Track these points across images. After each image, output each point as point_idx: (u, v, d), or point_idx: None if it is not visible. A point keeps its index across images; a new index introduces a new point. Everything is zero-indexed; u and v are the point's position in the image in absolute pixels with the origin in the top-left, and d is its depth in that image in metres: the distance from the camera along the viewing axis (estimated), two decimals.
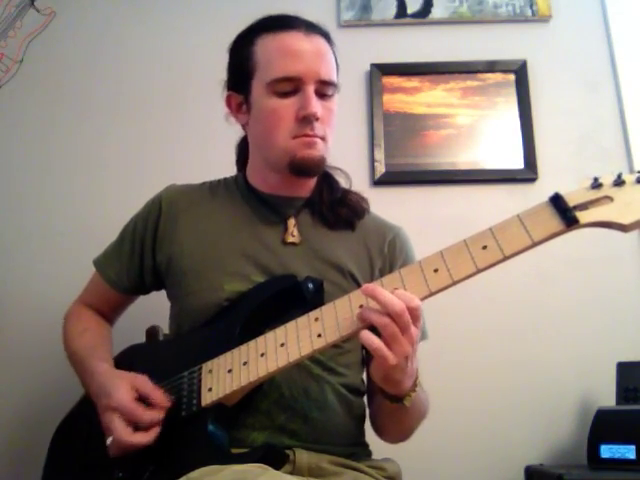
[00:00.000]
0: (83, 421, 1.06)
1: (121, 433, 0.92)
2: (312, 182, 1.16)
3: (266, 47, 1.07)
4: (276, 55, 1.05)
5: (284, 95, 1.04)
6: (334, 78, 1.08)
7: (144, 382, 0.97)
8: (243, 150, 1.22)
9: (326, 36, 1.11)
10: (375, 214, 1.20)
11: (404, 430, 1.08)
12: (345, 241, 1.12)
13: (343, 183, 1.19)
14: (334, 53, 1.12)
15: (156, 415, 0.93)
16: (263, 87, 1.06)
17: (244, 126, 1.16)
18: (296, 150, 1.04)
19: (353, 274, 1.09)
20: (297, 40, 1.06)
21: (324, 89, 1.06)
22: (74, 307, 1.24)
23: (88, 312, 1.22)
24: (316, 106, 1.03)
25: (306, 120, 1.03)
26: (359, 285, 1.05)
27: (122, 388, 0.95)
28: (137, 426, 0.93)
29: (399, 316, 0.80)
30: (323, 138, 1.06)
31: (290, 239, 1.09)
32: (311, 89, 1.04)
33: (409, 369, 0.86)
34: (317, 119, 1.04)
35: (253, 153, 1.16)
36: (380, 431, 1.11)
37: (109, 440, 0.94)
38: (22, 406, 1.61)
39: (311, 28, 1.08)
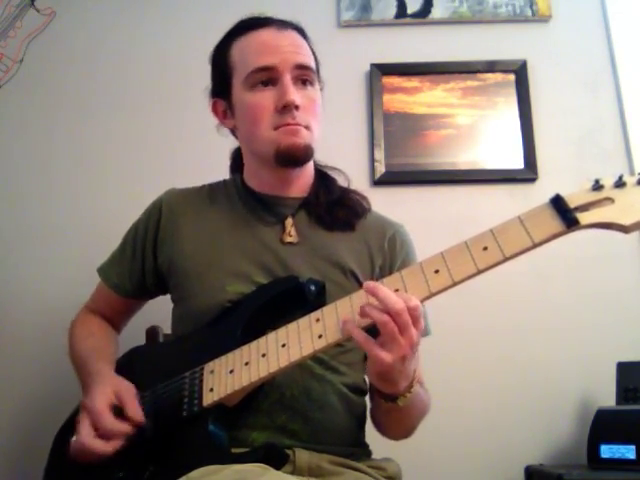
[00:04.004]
0: None
1: (83, 434, 0.92)
2: (307, 180, 1.15)
3: (241, 47, 1.09)
4: (250, 51, 1.07)
5: (261, 87, 1.05)
6: (311, 64, 1.09)
7: (127, 391, 0.96)
8: (236, 157, 1.22)
9: (300, 31, 1.12)
10: (376, 212, 1.20)
11: (402, 428, 1.09)
12: (345, 239, 1.12)
13: (342, 182, 1.18)
14: (311, 47, 1.12)
15: (122, 427, 0.92)
16: (241, 84, 1.07)
17: (233, 131, 1.17)
18: (280, 139, 1.04)
19: (354, 272, 1.08)
20: (270, 35, 1.07)
21: (302, 75, 1.07)
22: (81, 314, 1.24)
23: (94, 318, 1.22)
24: (294, 94, 1.03)
25: (286, 109, 1.03)
26: (360, 284, 1.05)
27: (103, 391, 0.95)
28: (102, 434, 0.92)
29: (398, 315, 0.80)
30: (307, 127, 1.05)
31: (288, 239, 1.09)
32: (287, 78, 1.04)
33: (405, 370, 0.86)
34: (297, 107, 1.03)
35: (245, 154, 1.17)
36: (379, 428, 1.11)
37: (74, 438, 0.93)
38: (23, 408, 1.61)
39: (284, 24, 1.10)
